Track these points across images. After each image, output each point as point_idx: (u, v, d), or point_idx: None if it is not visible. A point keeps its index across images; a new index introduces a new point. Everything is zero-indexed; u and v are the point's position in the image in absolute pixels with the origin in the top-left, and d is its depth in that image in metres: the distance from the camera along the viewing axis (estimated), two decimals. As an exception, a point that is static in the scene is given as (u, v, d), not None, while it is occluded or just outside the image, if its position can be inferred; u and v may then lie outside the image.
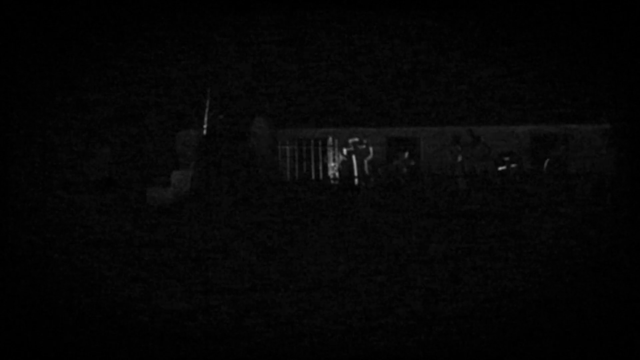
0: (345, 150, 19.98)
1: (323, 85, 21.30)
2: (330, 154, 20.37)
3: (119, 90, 19.24)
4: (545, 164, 19.19)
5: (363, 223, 13.47)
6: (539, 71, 20.80)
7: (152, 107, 19.51)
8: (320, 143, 20.48)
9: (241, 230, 12.88)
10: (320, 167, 20.45)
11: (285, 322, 7.53)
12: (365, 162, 19.94)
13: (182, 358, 6.61)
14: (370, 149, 19.96)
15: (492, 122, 20.46)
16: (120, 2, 17.63)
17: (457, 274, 9.53)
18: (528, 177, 18.69)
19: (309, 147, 20.48)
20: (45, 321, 7.59)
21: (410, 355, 6.60)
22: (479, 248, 11.25)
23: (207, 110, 18.99)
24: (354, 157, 19.93)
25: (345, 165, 19.97)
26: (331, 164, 20.31)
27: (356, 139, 20.00)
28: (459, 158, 19.53)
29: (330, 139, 20.35)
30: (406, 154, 19.91)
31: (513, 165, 19.15)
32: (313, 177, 20.29)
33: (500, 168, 19.23)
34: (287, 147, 20.38)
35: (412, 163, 19.91)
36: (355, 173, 19.82)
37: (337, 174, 20.02)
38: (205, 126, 18.77)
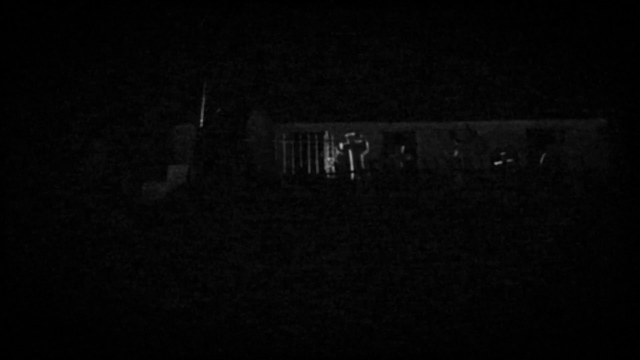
0: (341, 145, 19.97)
1: (320, 80, 21.29)
2: (326, 148, 20.37)
3: (115, 86, 19.20)
4: (542, 158, 19.22)
5: (360, 221, 13.47)
6: (535, 66, 20.82)
7: (149, 102, 19.48)
8: (316, 138, 20.48)
9: (239, 227, 12.88)
10: (317, 162, 20.47)
11: (283, 321, 7.55)
12: (362, 156, 19.94)
13: (181, 357, 6.63)
14: (367, 143, 19.96)
15: (489, 117, 20.49)
16: None
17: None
18: (524, 172, 18.72)
19: (306, 141, 20.49)
20: (44, 320, 7.60)
21: (410, 354, 6.62)
22: (477, 246, 11.26)
23: (203, 104, 18.98)
24: (350, 152, 19.93)
25: (342, 160, 19.97)
26: (328, 159, 20.31)
27: (352, 134, 20.00)
28: (455, 153, 19.56)
29: (326, 134, 20.35)
30: (402, 149, 19.92)
31: (509, 160, 19.17)
32: (309, 171, 20.31)
33: (496, 163, 19.25)
34: (284, 142, 20.39)
35: (409, 158, 19.91)
36: (352, 168, 19.82)
37: (333, 169, 20.03)
38: (201, 121, 18.76)
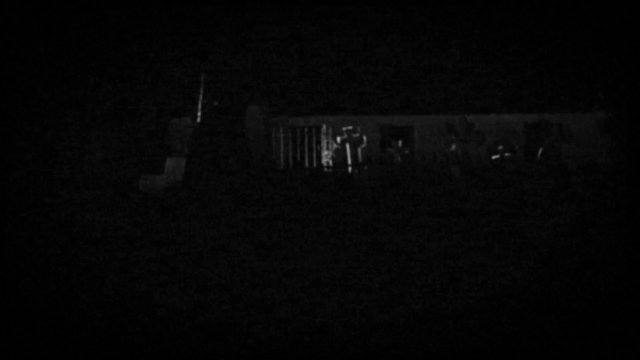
0: (339, 139, 19.96)
1: (317, 73, 21.25)
2: (324, 142, 20.34)
3: (112, 79, 19.14)
4: (539, 152, 19.23)
5: (358, 217, 13.43)
6: (533, 60, 20.80)
7: (146, 96, 19.42)
8: (314, 131, 20.45)
9: (237, 224, 12.84)
10: (314, 155, 20.44)
11: (284, 320, 7.51)
12: (359, 150, 19.92)
13: (181, 356, 6.59)
14: (364, 137, 19.95)
15: (486, 111, 20.47)
16: None
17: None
18: (522, 165, 18.72)
19: (303, 135, 20.45)
20: (44, 319, 7.56)
21: (410, 354, 6.59)
22: (477, 243, 11.24)
23: (200, 98, 18.93)
24: (347, 146, 19.92)
25: (339, 154, 19.95)
26: (325, 152, 20.29)
27: (350, 127, 19.98)
28: (453, 146, 19.56)
29: (324, 127, 20.32)
30: (400, 142, 19.90)
31: (507, 154, 19.18)
32: (307, 165, 20.28)
33: (494, 157, 19.26)
34: (281, 135, 20.35)
35: (406, 151, 19.90)
36: (349, 161, 19.81)
37: (330, 162, 20.01)
38: (199, 114, 18.71)
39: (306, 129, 20.45)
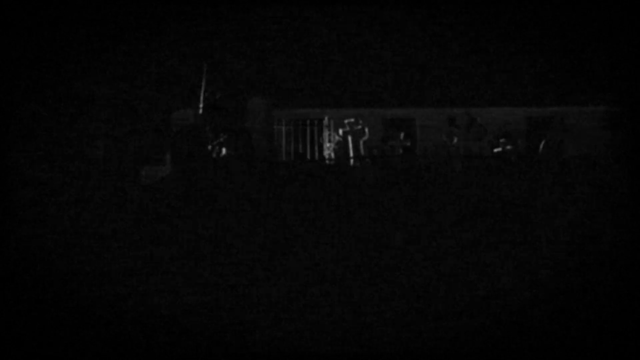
0: (341, 131, 19.95)
1: (319, 65, 21.23)
2: (325, 134, 20.35)
3: (113, 73, 19.11)
4: (541, 146, 19.21)
5: (359, 212, 13.41)
6: (536, 53, 20.77)
7: (147, 88, 19.40)
8: (316, 123, 20.45)
9: (238, 219, 12.83)
10: (316, 148, 20.45)
11: (284, 318, 7.51)
12: (361, 142, 19.92)
13: (182, 355, 6.60)
14: (366, 129, 19.94)
15: (488, 104, 20.47)
16: None
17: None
18: (524, 158, 18.71)
19: (305, 127, 20.46)
20: (45, 317, 7.57)
21: (410, 352, 6.60)
22: (478, 241, 11.23)
23: (203, 89, 18.90)
24: (349, 138, 19.92)
25: (341, 146, 19.95)
26: (327, 145, 20.29)
27: (352, 120, 19.97)
28: (455, 139, 19.55)
29: (326, 120, 20.32)
30: (402, 135, 19.90)
31: (509, 147, 19.17)
32: (309, 157, 20.29)
33: (495, 150, 19.25)
34: (283, 127, 20.36)
35: (408, 144, 19.91)
36: (351, 153, 19.81)
37: (332, 155, 20.01)
38: (201, 106, 18.68)
39: (308, 121, 20.46)
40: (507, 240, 11.09)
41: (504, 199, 14.21)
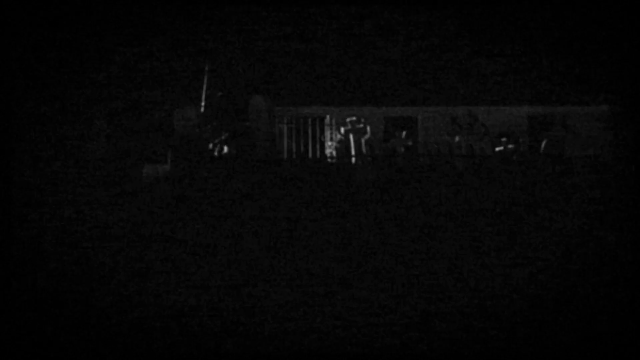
0: (342, 129, 19.93)
1: (321, 64, 21.21)
2: (327, 132, 20.34)
3: (116, 71, 19.12)
4: (543, 145, 19.19)
5: (361, 213, 13.41)
6: (537, 52, 20.73)
7: (149, 86, 19.40)
8: (318, 122, 20.45)
9: (241, 221, 12.83)
10: (318, 146, 20.44)
11: (288, 318, 7.52)
12: (363, 141, 19.90)
13: (184, 354, 6.61)
14: (368, 128, 19.91)
15: (490, 103, 20.45)
16: None
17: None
18: (525, 157, 18.70)
19: (307, 125, 20.45)
20: (49, 315, 7.59)
21: (412, 354, 6.61)
22: (479, 239, 11.23)
23: (205, 87, 18.91)
24: (351, 136, 19.89)
25: (343, 144, 19.94)
26: (329, 143, 20.28)
27: (354, 118, 19.95)
28: (457, 138, 19.54)
29: (328, 118, 20.31)
30: (404, 134, 19.88)
31: (510, 146, 19.15)
32: (310, 155, 20.29)
33: (497, 149, 19.24)
34: (285, 126, 20.35)
35: (410, 143, 19.88)
36: (353, 152, 19.79)
37: (334, 153, 20.00)
38: (202, 104, 18.69)
39: (310, 120, 20.45)
40: (509, 239, 11.08)
41: (506, 198, 14.20)
